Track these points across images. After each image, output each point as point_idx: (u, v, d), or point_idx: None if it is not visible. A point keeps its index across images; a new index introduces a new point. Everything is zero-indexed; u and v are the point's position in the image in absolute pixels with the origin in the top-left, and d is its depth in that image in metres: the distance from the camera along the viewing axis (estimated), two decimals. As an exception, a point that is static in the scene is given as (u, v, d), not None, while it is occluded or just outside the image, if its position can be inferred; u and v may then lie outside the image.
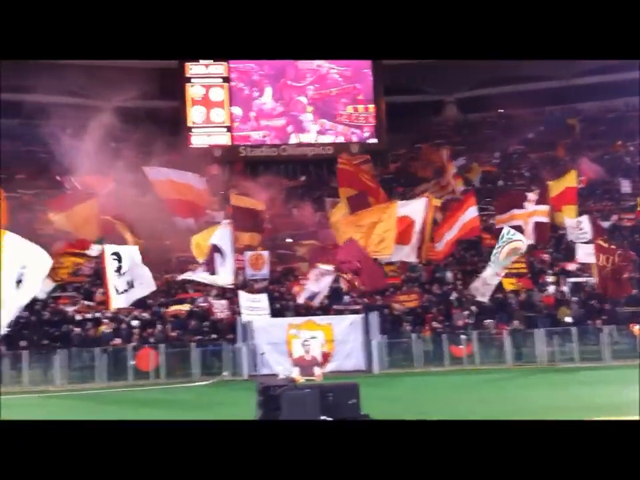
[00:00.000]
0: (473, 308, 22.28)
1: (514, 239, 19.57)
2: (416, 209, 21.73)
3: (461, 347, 21.13)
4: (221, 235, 21.25)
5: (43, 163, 30.63)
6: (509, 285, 23.40)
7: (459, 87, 41.20)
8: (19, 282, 12.13)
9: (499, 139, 37.87)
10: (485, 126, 40.51)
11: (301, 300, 21.69)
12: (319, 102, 38.01)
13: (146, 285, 18.18)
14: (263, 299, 21.14)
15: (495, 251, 19.73)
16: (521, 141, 38.85)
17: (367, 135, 38.21)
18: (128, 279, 17.67)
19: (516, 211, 24.49)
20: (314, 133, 37.97)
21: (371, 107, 38.07)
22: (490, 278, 20.10)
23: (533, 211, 24.07)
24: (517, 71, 36.58)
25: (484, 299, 20.79)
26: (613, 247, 21.52)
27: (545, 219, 23.90)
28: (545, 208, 23.97)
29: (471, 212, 23.02)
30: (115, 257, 17.63)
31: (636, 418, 8.95)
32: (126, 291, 17.70)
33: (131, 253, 18.20)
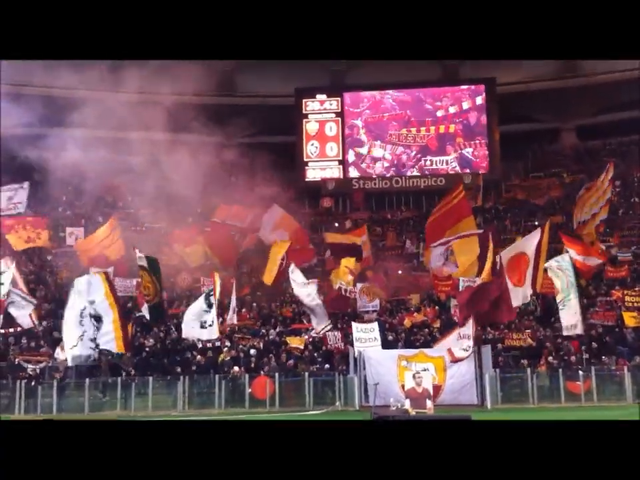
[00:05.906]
0: (592, 343, 21.60)
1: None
2: (530, 242, 21.25)
3: (578, 382, 20.52)
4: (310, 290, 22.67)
5: (165, 197, 32.26)
6: (631, 319, 22.55)
7: (578, 114, 40.13)
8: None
9: (619, 166, 36.43)
10: (604, 153, 39.05)
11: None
12: (372, 125, 38.67)
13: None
14: (374, 328, 21.44)
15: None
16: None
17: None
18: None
19: None
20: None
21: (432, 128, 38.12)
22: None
23: None
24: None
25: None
26: None
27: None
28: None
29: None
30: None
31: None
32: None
33: None
